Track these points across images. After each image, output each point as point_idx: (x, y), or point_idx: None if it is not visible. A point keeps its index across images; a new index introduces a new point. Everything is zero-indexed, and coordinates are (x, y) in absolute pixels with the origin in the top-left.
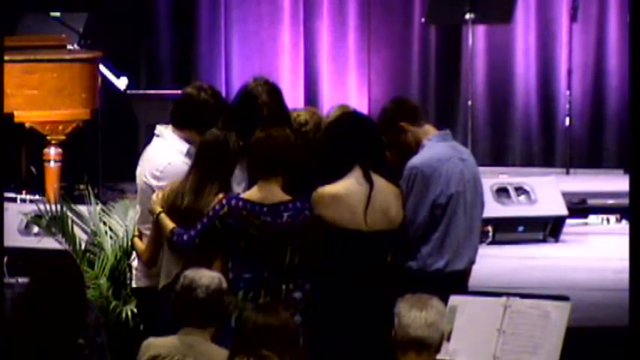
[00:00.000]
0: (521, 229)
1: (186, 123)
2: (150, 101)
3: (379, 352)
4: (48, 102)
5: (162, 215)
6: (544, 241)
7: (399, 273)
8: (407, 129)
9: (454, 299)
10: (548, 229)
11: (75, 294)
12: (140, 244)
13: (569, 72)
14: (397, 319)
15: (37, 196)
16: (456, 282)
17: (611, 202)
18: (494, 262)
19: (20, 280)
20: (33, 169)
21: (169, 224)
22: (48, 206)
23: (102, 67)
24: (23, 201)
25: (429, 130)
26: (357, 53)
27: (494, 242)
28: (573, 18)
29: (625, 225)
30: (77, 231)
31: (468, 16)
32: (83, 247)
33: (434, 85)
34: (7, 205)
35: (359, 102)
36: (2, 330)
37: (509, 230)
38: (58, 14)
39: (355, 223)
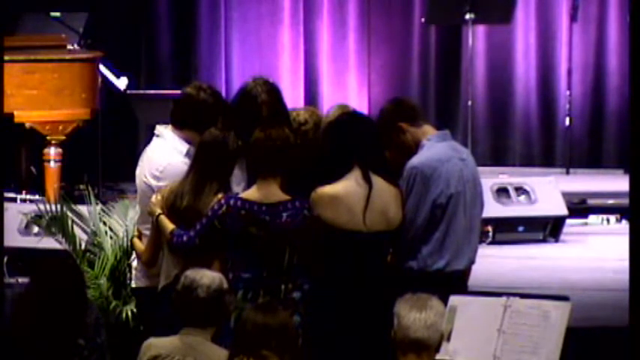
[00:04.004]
0: (521, 229)
1: (186, 123)
2: (150, 101)
3: (379, 352)
4: (48, 102)
5: (162, 217)
6: (544, 241)
7: (399, 273)
8: (406, 129)
9: (454, 299)
10: (548, 229)
11: (75, 294)
12: (140, 245)
13: (569, 72)
14: (397, 320)
15: (37, 196)
16: (456, 282)
17: (611, 202)
18: (494, 262)
19: (20, 280)
20: (33, 169)
21: (169, 226)
22: (48, 206)
23: (102, 67)
24: (23, 201)
25: (428, 130)
26: (357, 53)
27: (494, 242)
28: (573, 18)
29: (625, 225)
30: (77, 231)
31: (468, 16)
32: (83, 247)
33: (434, 85)
34: (7, 205)
35: (359, 102)
36: (2, 330)
37: (509, 230)
38: (58, 14)
39: (354, 223)
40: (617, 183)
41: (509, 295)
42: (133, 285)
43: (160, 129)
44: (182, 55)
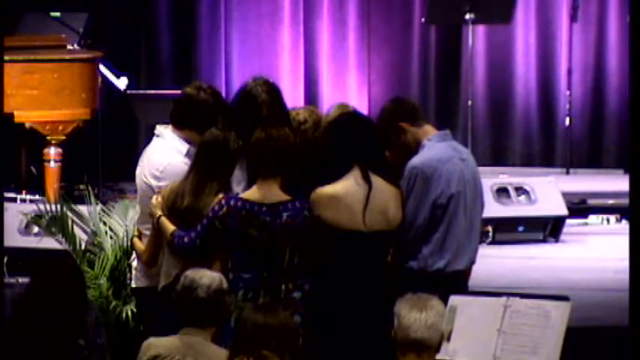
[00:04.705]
0: (521, 229)
1: (186, 123)
2: (150, 101)
3: (379, 352)
4: (48, 102)
5: (163, 219)
6: (544, 241)
7: (399, 273)
8: (406, 129)
9: (454, 299)
10: (548, 229)
11: (75, 294)
12: (140, 245)
13: (569, 72)
14: (397, 320)
15: (37, 196)
16: (456, 282)
17: (611, 202)
18: (494, 262)
19: (20, 280)
20: (33, 169)
21: (170, 227)
22: (48, 206)
23: (102, 67)
24: (23, 201)
25: (429, 130)
26: (357, 53)
27: (494, 242)
28: (573, 18)
29: (625, 225)
30: (77, 231)
31: (468, 16)
32: (83, 247)
33: (434, 85)
34: (7, 205)
35: (359, 102)
36: (2, 330)
37: (509, 230)
38: (58, 14)
39: (354, 223)
40: (617, 183)
41: (509, 295)
42: (133, 285)
43: (159, 129)
44: (182, 55)
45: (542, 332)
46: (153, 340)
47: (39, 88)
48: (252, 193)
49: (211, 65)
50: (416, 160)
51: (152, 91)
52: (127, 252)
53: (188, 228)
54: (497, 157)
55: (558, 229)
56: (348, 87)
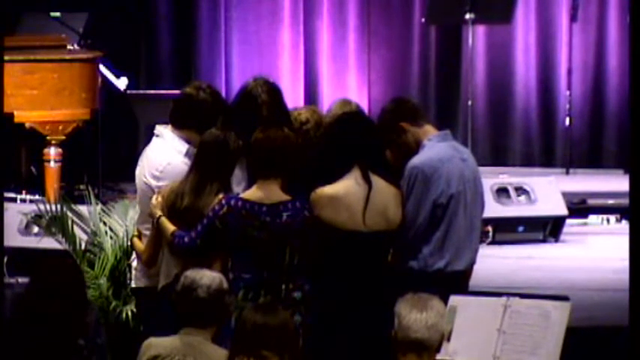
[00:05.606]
0: (521, 229)
1: (186, 123)
2: (150, 101)
3: (379, 352)
4: (48, 102)
5: (163, 219)
6: (544, 241)
7: (399, 273)
8: (407, 129)
9: (454, 299)
10: (548, 229)
11: (75, 294)
12: (140, 245)
13: (569, 72)
14: (397, 320)
15: (37, 196)
16: (456, 282)
17: (611, 202)
18: (494, 262)
19: (20, 280)
20: (33, 169)
21: (170, 227)
22: (48, 206)
23: (102, 67)
24: (23, 201)
25: (429, 130)
26: (357, 53)
27: (494, 242)
28: (573, 18)
29: (625, 225)
30: (77, 231)
31: (468, 16)
32: (83, 247)
33: (434, 85)
34: (7, 205)
35: (359, 102)
36: (2, 330)
37: (509, 230)
38: (58, 14)
39: (353, 223)
40: (617, 183)
41: (509, 295)
42: (133, 285)
43: (159, 129)
44: (182, 55)
45: (542, 332)
46: (153, 340)
47: (39, 88)
48: (253, 193)
49: (211, 65)
50: (416, 160)
51: (152, 91)
52: (127, 252)
53: (188, 228)
54: (497, 157)
55: (558, 229)
56: (348, 87)
